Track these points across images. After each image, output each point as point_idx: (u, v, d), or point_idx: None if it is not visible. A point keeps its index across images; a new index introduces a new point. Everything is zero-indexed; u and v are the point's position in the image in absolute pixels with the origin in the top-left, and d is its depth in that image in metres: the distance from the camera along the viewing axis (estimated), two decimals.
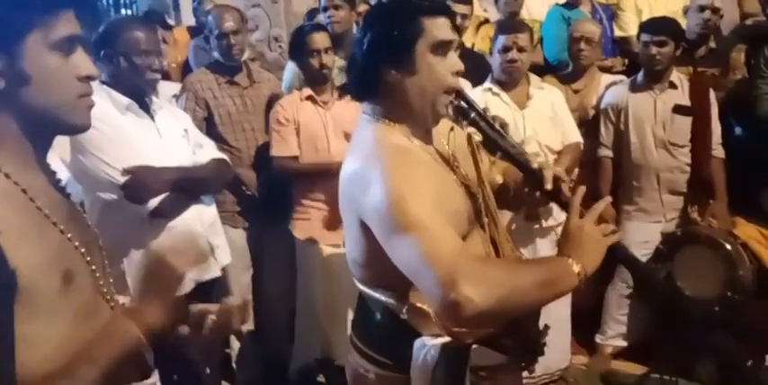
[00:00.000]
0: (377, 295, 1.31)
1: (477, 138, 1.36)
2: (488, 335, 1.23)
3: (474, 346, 1.24)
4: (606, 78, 3.21)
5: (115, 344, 0.96)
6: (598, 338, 3.11)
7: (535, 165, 1.30)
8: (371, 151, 1.23)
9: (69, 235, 0.97)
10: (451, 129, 1.39)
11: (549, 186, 1.27)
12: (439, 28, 1.23)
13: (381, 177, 1.15)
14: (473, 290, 1.00)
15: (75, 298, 0.94)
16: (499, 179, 1.48)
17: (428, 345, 1.22)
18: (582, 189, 1.25)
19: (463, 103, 1.29)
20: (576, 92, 3.13)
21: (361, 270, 1.33)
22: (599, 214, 1.20)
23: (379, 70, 1.24)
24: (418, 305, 1.24)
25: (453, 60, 1.26)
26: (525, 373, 1.43)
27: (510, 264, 1.25)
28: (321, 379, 2.85)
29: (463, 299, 0.99)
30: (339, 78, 2.88)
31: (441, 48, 1.24)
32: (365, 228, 1.21)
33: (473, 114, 1.29)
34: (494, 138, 1.30)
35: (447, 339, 1.22)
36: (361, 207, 1.20)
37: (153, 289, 1.01)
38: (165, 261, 1.02)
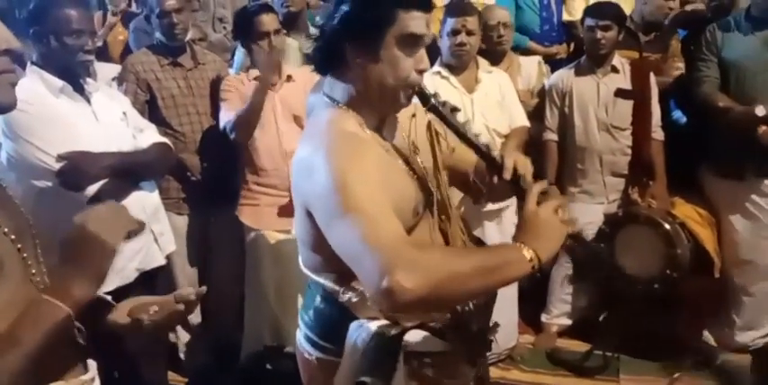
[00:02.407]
0: (319, 279, 1.30)
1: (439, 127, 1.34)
2: (431, 322, 1.22)
3: (418, 331, 1.23)
4: (523, 60, 3.28)
5: (40, 324, 0.88)
6: (544, 317, 3.20)
7: (496, 153, 1.29)
8: (319, 136, 1.21)
9: None
10: (413, 115, 1.36)
11: (507, 176, 1.26)
12: (413, 21, 1.19)
13: (325, 162, 1.13)
14: (408, 277, 0.98)
15: (4, 286, 0.90)
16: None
17: (361, 328, 1.21)
18: (543, 182, 1.24)
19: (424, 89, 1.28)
20: None
21: (309, 255, 1.32)
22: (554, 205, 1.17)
23: (342, 49, 1.21)
24: (356, 288, 1.23)
25: (420, 57, 1.22)
26: None
27: (451, 251, 1.23)
28: (271, 366, 2.84)
29: (397, 286, 0.97)
30: (297, 58, 2.82)
31: (410, 41, 1.19)
32: (308, 215, 1.19)
33: (433, 101, 1.27)
34: (455, 125, 1.28)
35: (384, 322, 1.21)
36: (305, 193, 1.19)
37: (82, 261, 0.92)
38: (91, 230, 0.92)
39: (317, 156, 1.16)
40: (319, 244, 1.21)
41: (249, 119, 2.53)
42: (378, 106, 1.27)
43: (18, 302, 0.91)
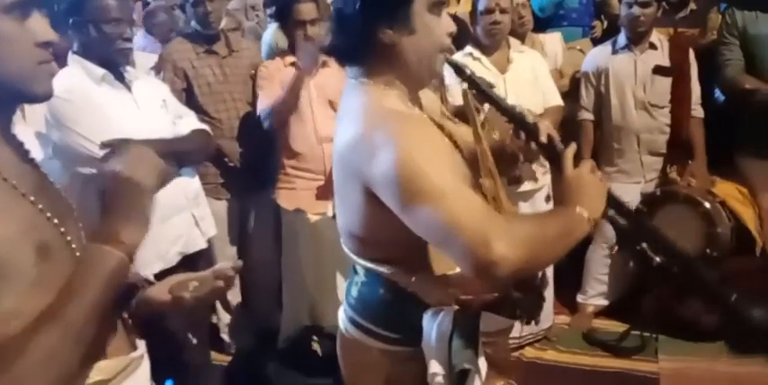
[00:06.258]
0: (379, 269, 1.26)
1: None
2: (498, 298, 1.22)
3: (482, 313, 1.23)
4: (545, 38, 3.27)
5: (96, 273, 0.87)
6: (579, 298, 3.18)
7: (530, 119, 1.30)
8: (370, 117, 1.17)
9: (41, 206, 0.92)
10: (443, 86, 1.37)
11: (543, 139, 1.27)
12: None
13: (388, 143, 1.10)
14: (506, 248, 1.01)
15: (51, 271, 0.89)
16: (496, 136, 1.45)
17: (441, 314, 1.20)
18: (574, 144, 1.26)
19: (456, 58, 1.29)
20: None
21: (361, 244, 1.28)
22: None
23: (374, 29, 1.17)
24: (425, 274, 1.22)
25: (447, 20, 1.23)
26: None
27: (533, 218, 1.27)
28: (309, 346, 2.90)
29: (498, 259, 1.00)
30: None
31: (436, 7, 1.20)
32: (370, 199, 1.15)
33: (468, 71, 1.28)
34: (489, 94, 1.30)
35: (455, 307, 1.21)
36: (367, 176, 1.14)
37: (125, 206, 0.91)
38: (124, 174, 0.92)
39: (376, 137, 1.13)
40: (377, 230, 1.21)
41: (284, 109, 2.57)
42: (414, 79, 1.25)
43: None
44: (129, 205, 0.92)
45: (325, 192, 2.60)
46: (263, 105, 2.61)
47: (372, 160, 1.11)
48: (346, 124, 1.22)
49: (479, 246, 1.01)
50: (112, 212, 0.92)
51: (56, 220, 0.95)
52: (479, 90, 1.30)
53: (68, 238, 0.96)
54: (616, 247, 2.95)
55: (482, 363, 1.22)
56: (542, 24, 3.52)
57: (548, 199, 2.80)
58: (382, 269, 1.26)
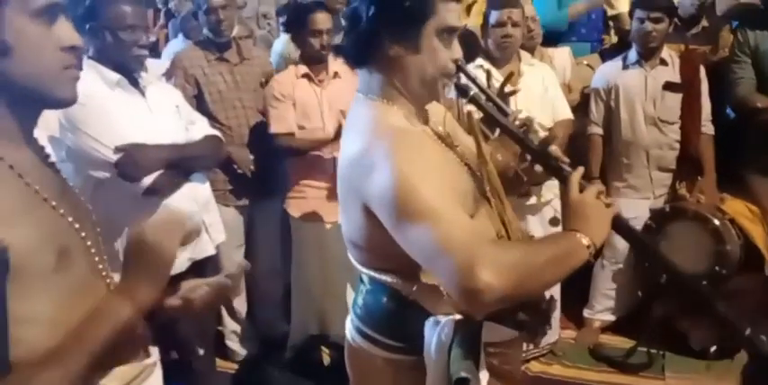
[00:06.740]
0: (382, 278, 1.28)
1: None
2: (501, 311, 1.21)
3: (485, 323, 1.23)
4: (554, 52, 3.28)
5: (105, 324, 0.91)
6: (586, 313, 3.16)
7: (536, 143, 1.30)
8: (372, 133, 1.19)
9: (62, 211, 0.94)
10: (449, 108, 1.38)
11: (550, 162, 1.27)
12: (449, 13, 1.21)
13: (386, 161, 1.12)
14: (492, 275, 0.99)
15: (70, 275, 0.91)
16: (500, 157, 1.46)
17: (441, 323, 1.20)
18: (581, 168, 1.26)
19: (463, 81, 1.28)
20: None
21: (364, 254, 1.30)
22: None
23: (381, 41, 1.20)
24: (427, 283, 1.22)
25: (456, 48, 1.24)
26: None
27: (523, 245, 1.25)
28: (317, 356, 2.88)
29: (483, 286, 0.99)
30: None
31: (447, 33, 1.21)
32: (369, 214, 1.17)
33: (473, 92, 1.28)
34: (494, 116, 1.30)
35: (458, 317, 1.21)
36: (364, 192, 1.17)
37: (144, 268, 0.96)
38: (155, 238, 0.96)
39: (375, 155, 1.14)
40: (376, 242, 1.22)
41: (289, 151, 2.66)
42: (416, 97, 1.27)
43: (85, 290, 0.95)
44: (147, 269, 0.96)
45: (335, 202, 2.60)
46: (275, 129, 2.64)
47: (369, 178, 1.14)
48: (351, 138, 1.24)
49: (465, 273, 1.00)
50: (131, 272, 0.96)
51: (77, 225, 0.96)
52: (485, 112, 1.31)
53: (88, 243, 0.98)
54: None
55: (483, 375, 1.21)
56: (551, 39, 3.53)
57: (554, 222, 2.78)
58: (385, 277, 1.28)
